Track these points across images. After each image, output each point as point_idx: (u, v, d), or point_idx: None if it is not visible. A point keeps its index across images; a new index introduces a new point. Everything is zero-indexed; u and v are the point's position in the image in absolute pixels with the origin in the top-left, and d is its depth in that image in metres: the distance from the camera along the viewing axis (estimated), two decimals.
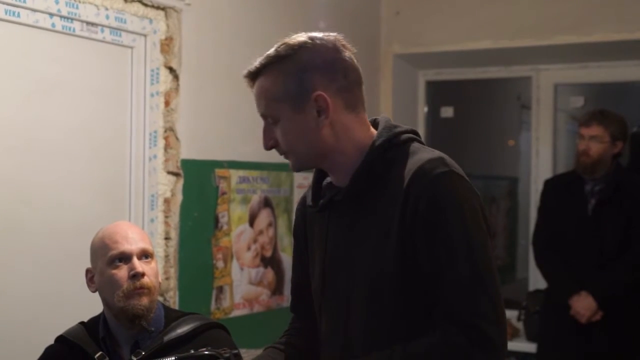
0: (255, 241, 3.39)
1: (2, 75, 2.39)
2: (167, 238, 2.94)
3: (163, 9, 2.92)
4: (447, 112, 4.67)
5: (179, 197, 2.99)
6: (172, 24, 2.95)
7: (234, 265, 3.26)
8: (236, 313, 3.24)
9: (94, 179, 2.74)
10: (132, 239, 1.90)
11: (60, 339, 2.00)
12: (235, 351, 1.75)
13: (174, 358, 1.74)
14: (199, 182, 3.09)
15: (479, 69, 4.44)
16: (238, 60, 3.28)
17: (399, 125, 1.66)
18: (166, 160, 2.95)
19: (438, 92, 4.72)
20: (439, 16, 4.14)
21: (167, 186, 2.95)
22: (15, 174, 2.45)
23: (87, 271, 1.96)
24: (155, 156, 2.92)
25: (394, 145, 1.60)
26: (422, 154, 1.57)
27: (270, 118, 1.60)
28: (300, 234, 1.79)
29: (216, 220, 3.18)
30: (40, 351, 2.54)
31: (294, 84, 1.57)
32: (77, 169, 2.68)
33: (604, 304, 3.32)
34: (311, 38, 1.61)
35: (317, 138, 1.57)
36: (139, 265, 1.87)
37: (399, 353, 1.45)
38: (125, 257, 1.87)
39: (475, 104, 4.66)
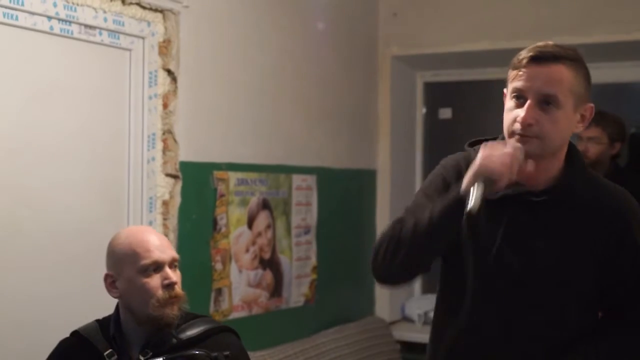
0: (253, 243, 3.40)
1: (0, 79, 2.39)
2: None
3: (161, 11, 2.93)
4: (445, 113, 4.68)
5: (178, 200, 2.99)
6: (170, 26, 2.96)
7: (233, 268, 3.27)
8: (235, 315, 3.25)
9: (92, 181, 2.74)
10: (162, 247, 1.91)
11: (74, 334, 2.01)
12: (227, 353, 1.80)
13: (162, 358, 1.79)
14: (198, 184, 3.09)
15: (477, 70, 4.45)
16: (236, 63, 3.30)
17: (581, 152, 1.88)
18: (164, 163, 2.95)
19: (436, 94, 4.73)
20: (437, 17, 4.15)
21: (165, 188, 2.96)
22: (13, 176, 2.45)
23: (107, 276, 1.96)
24: (153, 158, 2.92)
25: (587, 170, 1.84)
26: (614, 185, 1.85)
27: (553, 102, 1.68)
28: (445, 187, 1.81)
29: (214, 222, 3.18)
30: (38, 352, 2.55)
31: (584, 88, 1.73)
32: (76, 171, 2.68)
33: None
34: None
35: (566, 138, 1.75)
36: (172, 275, 1.89)
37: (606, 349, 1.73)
38: (158, 266, 1.89)
39: (473, 106, 4.66)
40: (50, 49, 2.58)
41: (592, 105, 1.76)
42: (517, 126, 1.68)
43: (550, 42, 1.73)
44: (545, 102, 1.67)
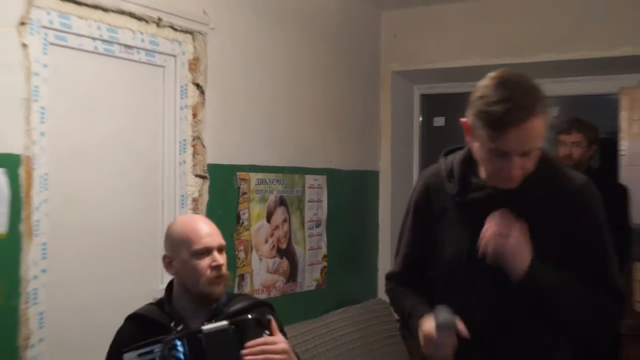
0: (272, 235, 3.40)
1: (53, 92, 2.40)
2: None
3: (191, 32, 2.93)
4: (439, 121, 4.68)
5: (206, 197, 2.99)
6: (199, 46, 2.96)
7: (254, 256, 3.27)
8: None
9: (131, 181, 2.74)
10: (211, 234, 1.93)
11: (132, 317, 2.00)
12: (269, 316, 1.83)
13: (225, 322, 1.79)
14: (223, 183, 3.10)
15: (468, 83, 4.38)
16: (255, 77, 3.31)
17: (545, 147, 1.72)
18: (194, 165, 2.95)
19: (431, 104, 4.72)
20: (431, 37, 4.14)
21: (195, 187, 2.96)
22: (64, 177, 2.47)
23: (165, 257, 1.97)
24: (184, 161, 2.92)
25: (552, 162, 1.71)
26: (571, 173, 1.73)
27: (532, 150, 1.55)
28: (424, 213, 1.81)
29: (238, 217, 3.18)
30: (84, 331, 2.55)
31: (548, 118, 1.58)
32: (116, 172, 2.68)
33: None
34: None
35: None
36: (220, 258, 1.91)
37: (576, 283, 1.65)
38: (208, 250, 1.91)
39: (464, 114, 4.64)
40: (94, 66, 2.59)
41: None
42: (505, 179, 1.58)
43: (522, 99, 1.50)
44: (527, 154, 1.56)
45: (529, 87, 1.53)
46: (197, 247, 1.90)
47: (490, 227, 1.62)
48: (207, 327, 1.78)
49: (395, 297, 1.89)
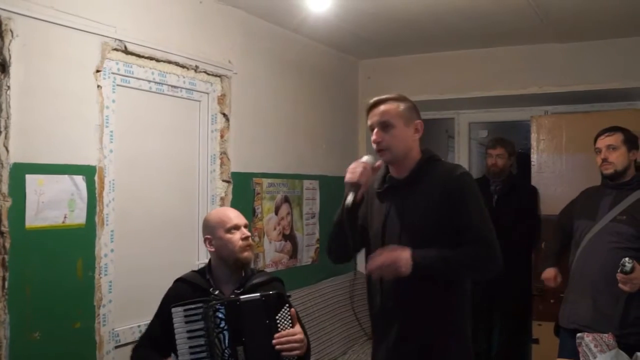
0: (279, 224, 3.40)
1: (119, 120, 2.42)
2: None
3: (219, 76, 2.95)
4: None
5: (230, 196, 3.00)
6: (225, 85, 2.98)
7: (265, 240, 3.27)
8: (267, 271, 3.26)
9: (176, 185, 2.75)
10: (239, 216, 1.95)
11: (179, 280, 1.98)
12: (289, 293, 1.83)
13: (258, 294, 1.77)
14: (243, 186, 3.10)
15: (422, 112, 4.46)
16: (266, 109, 3.33)
17: (431, 150, 1.83)
18: (221, 173, 2.96)
19: None
20: (396, 79, 4.19)
21: (222, 189, 2.97)
22: (127, 182, 2.48)
23: (205, 239, 1.97)
24: (214, 170, 2.94)
25: (433, 159, 1.79)
26: (449, 164, 1.80)
27: (388, 124, 1.74)
28: (366, 202, 1.88)
29: (253, 211, 3.18)
30: (140, 294, 2.55)
31: (408, 112, 1.77)
32: (166, 179, 2.69)
33: None
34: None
35: (410, 145, 1.77)
36: (246, 231, 1.93)
37: (449, 251, 1.66)
38: (237, 227, 1.92)
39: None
40: (149, 101, 2.60)
41: (420, 121, 1.77)
42: (374, 145, 1.76)
43: (382, 96, 1.78)
44: (384, 126, 1.74)
45: (392, 97, 1.78)
46: (229, 225, 1.91)
47: (371, 262, 1.69)
48: (243, 297, 1.77)
49: None
